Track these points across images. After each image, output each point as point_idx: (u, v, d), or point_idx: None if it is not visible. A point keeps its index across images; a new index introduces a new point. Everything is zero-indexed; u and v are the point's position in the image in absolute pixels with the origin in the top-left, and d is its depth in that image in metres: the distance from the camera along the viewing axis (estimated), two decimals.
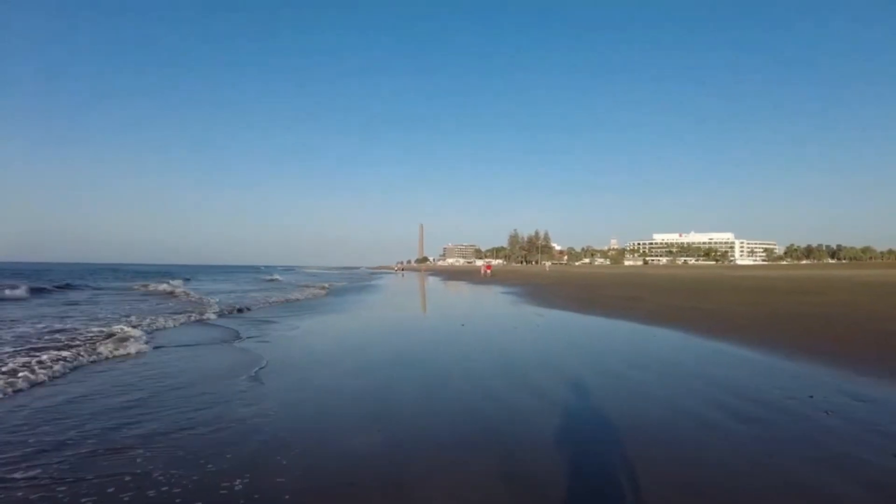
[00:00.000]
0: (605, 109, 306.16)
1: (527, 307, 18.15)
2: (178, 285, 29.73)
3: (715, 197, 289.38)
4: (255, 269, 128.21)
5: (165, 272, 65.62)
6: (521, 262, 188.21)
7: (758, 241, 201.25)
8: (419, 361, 8.08)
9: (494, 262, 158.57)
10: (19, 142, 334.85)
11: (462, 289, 34.10)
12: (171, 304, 19.05)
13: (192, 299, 20.86)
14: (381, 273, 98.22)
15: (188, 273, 64.87)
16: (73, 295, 23.77)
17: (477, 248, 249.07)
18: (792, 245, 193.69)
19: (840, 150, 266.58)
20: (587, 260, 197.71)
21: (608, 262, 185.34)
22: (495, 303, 21.21)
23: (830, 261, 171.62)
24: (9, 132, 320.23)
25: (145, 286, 30.28)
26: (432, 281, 49.77)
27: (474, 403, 5.56)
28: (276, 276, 54.63)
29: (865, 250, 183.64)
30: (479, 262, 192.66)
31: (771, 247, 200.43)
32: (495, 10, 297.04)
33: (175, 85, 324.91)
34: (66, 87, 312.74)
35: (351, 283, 44.01)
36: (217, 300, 19.88)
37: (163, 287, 28.80)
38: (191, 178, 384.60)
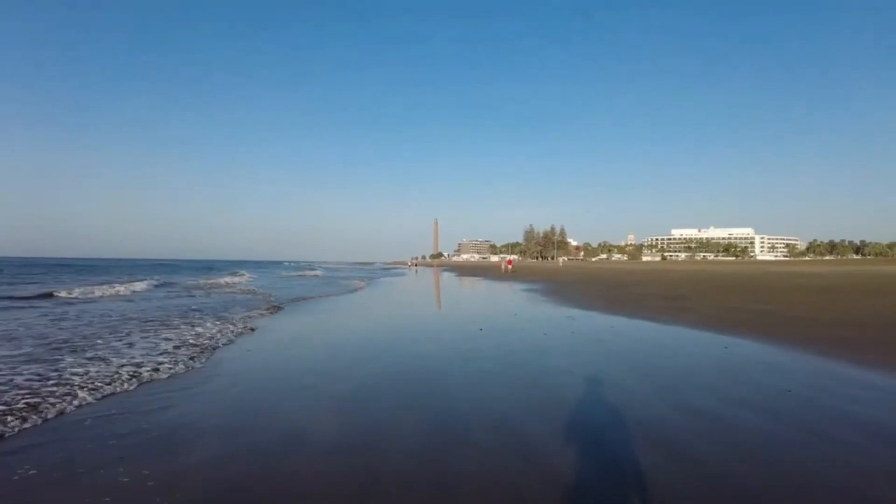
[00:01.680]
0: (621, 103, 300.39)
1: (553, 308, 16.10)
2: (241, 282, 33.18)
3: (734, 191, 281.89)
4: (277, 265, 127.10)
5: (208, 267, 72.94)
6: (537, 258, 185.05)
7: (779, 237, 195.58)
8: (426, 388, 6.09)
9: (507, 257, 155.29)
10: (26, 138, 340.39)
11: (479, 286, 31.98)
12: (243, 297, 20.37)
13: (260, 294, 22.21)
14: (396, 269, 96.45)
15: (220, 268, 69.88)
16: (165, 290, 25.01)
17: (492, 243, 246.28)
18: (815, 240, 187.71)
19: (863, 142, 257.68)
20: (604, 256, 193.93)
21: (625, 258, 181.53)
22: (516, 302, 19.15)
23: (855, 256, 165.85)
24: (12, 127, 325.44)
25: (217, 281, 32.80)
26: (447, 277, 47.73)
27: (509, 477, 3.56)
28: (318, 272, 58.28)
29: (892, 246, 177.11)
30: (495, 258, 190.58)
31: (793, 242, 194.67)
32: (511, 3, 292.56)
33: (186, 82, 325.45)
34: (71, 85, 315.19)
35: (369, 278, 42.19)
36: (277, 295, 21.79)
37: (236, 280, 34.76)
38: (209, 176, 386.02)
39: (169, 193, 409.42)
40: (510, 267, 55.40)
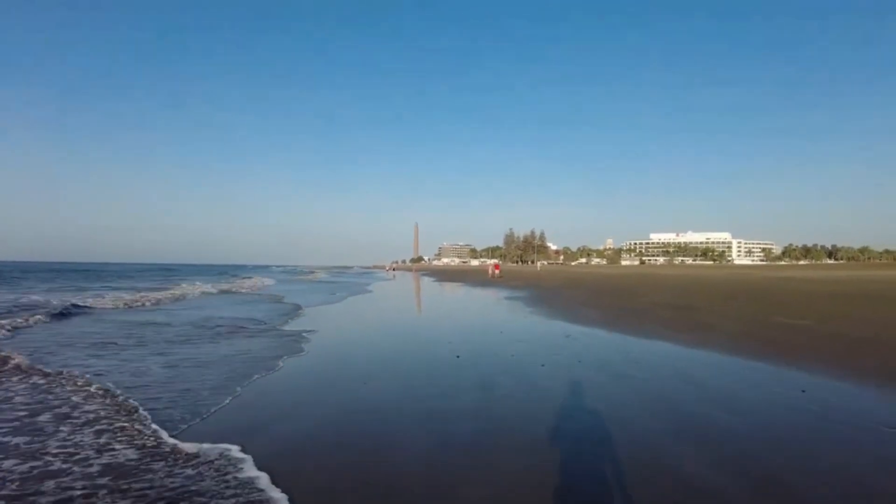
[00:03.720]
0: (600, 107, 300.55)
1: (545, 322, 13.68)
2: (258, 285, 36.10)
3: (712, 196, 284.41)
4: (265, 269, 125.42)
5: (220, 272, 75.81)
6: (517, 262, 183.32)
7: (755, 241, 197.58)
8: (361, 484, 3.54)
9: (490, 261, 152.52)
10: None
11: (459, 294, 29.37)
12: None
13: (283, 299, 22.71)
14: (373, 273, 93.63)
15: (224, 272, 75.06)
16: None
17: (472, 247, 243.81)
18: (790, 245, 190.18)
19: (836, 149, 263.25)
20: (583, 260, 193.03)
21: (605, 262, 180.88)
22: (501, 315, 16.65)
23: (829, 261, 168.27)
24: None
25: (230, 287, 33.91)
26: (426, 283, 45.03)
27: None
28: (321, 274, 62.11)
29: (863, 250, 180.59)
30: (475, 262, 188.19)
31: (769, 247, 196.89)
32: (490, 7, 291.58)
33: (174, 83, 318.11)
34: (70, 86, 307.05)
35: (354, 283, 39.34)
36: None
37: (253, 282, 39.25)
38: (186, 178, 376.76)
39: (161, 197, 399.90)
40: (497, 272, 52.50)
